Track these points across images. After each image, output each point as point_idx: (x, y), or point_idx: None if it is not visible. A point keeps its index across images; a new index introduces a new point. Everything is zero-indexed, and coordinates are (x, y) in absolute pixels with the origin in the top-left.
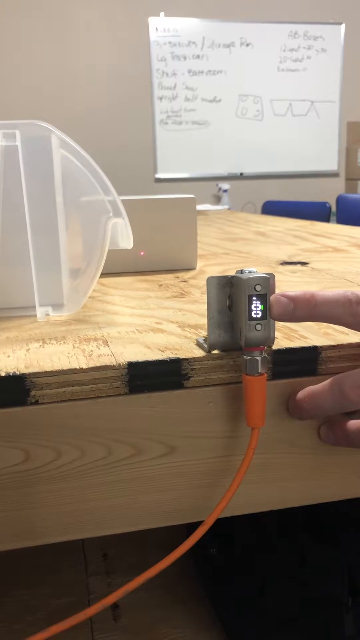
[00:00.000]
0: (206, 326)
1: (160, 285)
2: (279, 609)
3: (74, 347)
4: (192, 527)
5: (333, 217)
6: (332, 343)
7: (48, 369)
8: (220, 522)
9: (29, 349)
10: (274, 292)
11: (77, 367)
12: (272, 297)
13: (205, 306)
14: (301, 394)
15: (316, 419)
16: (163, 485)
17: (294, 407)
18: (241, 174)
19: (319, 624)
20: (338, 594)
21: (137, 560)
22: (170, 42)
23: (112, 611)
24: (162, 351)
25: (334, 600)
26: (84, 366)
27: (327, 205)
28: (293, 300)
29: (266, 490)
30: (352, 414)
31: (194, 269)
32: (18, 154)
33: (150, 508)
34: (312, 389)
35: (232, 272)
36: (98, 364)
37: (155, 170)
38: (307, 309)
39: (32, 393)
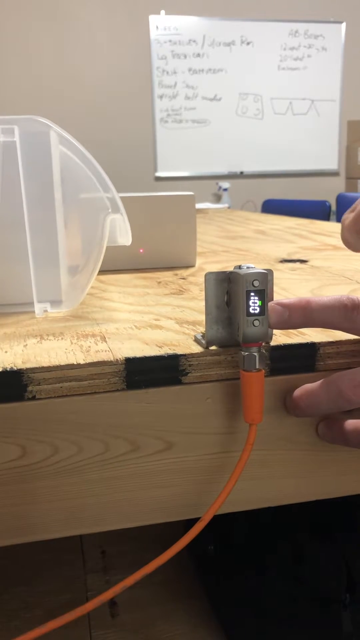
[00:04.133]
0: (204, 322)
1: (159, 282)
2: (276, 605)
3: (71, 342)
4: (190, 523)
5: (333, 216)
6: (331, 339)
7: (45, 365)
8: (217, 519)
9: (26, 345)
10: (272, 289)
11: (75, 363)
12: (268, 305)
13: (204, 303)
14: (298, 392)
15: (313, 417)
16: (161, 481)
17: (291, 404)
18: (241, 172)
19: (317, 622)
20: (336, 592)
21: (135, 557)
22: (170, 41)
23: (109, 608)
24: (160, 347)
25: (332, 597)
26: (82, 362)
27: (327, 204)
28: (288, 308)
29: (264, 487)
30: (350, 413)
31: (193, 266)
32: (16, 150)
33: (148, 504)
34: (308, 387)
35: (231, 269)
36: (96, 360)
37: (155, 169)
38: (302, 317)
39: (30, 388)
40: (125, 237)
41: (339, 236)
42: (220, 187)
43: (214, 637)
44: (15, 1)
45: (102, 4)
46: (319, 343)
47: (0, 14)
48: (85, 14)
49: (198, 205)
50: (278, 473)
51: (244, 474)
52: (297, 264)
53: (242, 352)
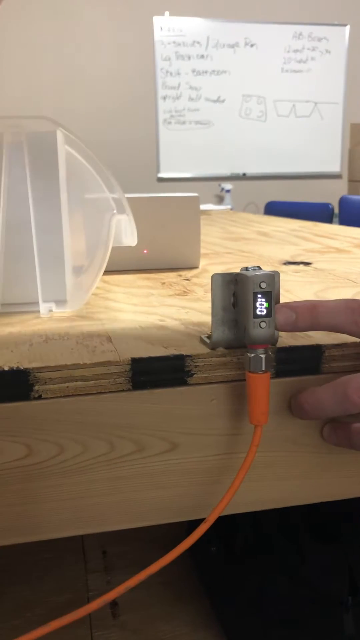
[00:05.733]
0: (210, 324)
1: (163, 283)
2: (278, 607)
3: (77, 342)
4: (193, 524)
5: (335, 219)
6: (336, 342)
7: (51, 364)
8: (220, 520)
9: (32, 344)
10: (278, 290)
11: (81, 363)
12: (275, 308)
13: (209, 304)
14: (303, 395)
15: (318, 420)
16: (165, 482)
17: (296, 407)
18: (244, 174)
19: (319, 624)
20: (338, 593)
21: (137, 558)
22: (174, 42)
23: (110, 608)
24: (166, 348)
25: (334, 599)
26: (88, 362)
27: (330, 206)
28: (295, 310)
29: (268, 489)
30: (355, 416)
31: (196, 267)
32: (23, 150)
33: (152, 505)
34: (314, 390)
35: (235, 271)
36: (102, 360)
37: (158, 170)
38: (309, 319)
39: (36, 388)
40: (130, 238)
41: (343, 239)
42: (222, 189)
43: (215, 638)
44: (19, 2)
45: (106, 4)
46: (325, 345)
47: (4, 15)
48: (89, 15)
49: (200, 207)
50: (283, 475)
51: (249, 476)
52: (301, 266)
53: (248, 354)
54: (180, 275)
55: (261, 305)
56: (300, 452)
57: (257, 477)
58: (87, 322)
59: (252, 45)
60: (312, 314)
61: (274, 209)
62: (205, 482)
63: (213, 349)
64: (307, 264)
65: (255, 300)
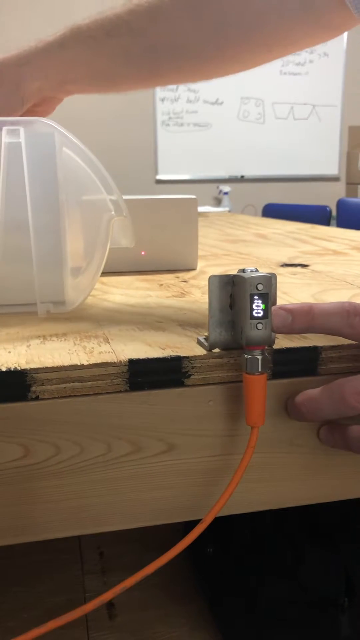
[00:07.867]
0: (207, 325)
1: (161, 284)
2: (274, 609)
3: (74, 343)
4: (190, 525)
5: (333, 221)
6: (333, 343)
7: (49, 365)
8: (216, 521)
9: (29, 345)
10: (275, 292)
11: (78, 364)
12: (272, 310)
13: (206, 306)
14: (300, 398)
15: (315, 422)
16: (162, 483)
17: (292, 409)
18: (242, 176)
19: (315, 625)
20: (334, 595)
21: (133, 559)
22: None
23: (107, 610)
24: (163, 349)
25: (331, 600)
26: (85, 363)
27: (328, 209)
28: (291, 312)
29: (264, 490)
30: (352, 418)
31: (194, 269)
32: (21, 151)
33: (149, 505)
34: (311, 393)
35: (233, 273)
36: (99, 361)
37: (156, 172)
38: (305, 321)
39: (33, 388)
40: (128, 240)
41: (340, 241)
42: (220, 191)
43: (212, 639)
44: (17, 4)
45: (106, 5)
46: (322, 347)
47: (2, 17)
48: (88, 16)
49: (198, 209)
50: (279, 476)
51: (245, 477)
52: (298, 269)
53: (245, 355)
54: (178, 277)
55: (258, 307)
56: (296, 453)
57: (254, 478)
58: (84, 323)
59: None
60: (308, 316)
61: (272, 211)
62: (202, 483)
63: (210, 350)
64: (304, 266)
65: (252, 302)
